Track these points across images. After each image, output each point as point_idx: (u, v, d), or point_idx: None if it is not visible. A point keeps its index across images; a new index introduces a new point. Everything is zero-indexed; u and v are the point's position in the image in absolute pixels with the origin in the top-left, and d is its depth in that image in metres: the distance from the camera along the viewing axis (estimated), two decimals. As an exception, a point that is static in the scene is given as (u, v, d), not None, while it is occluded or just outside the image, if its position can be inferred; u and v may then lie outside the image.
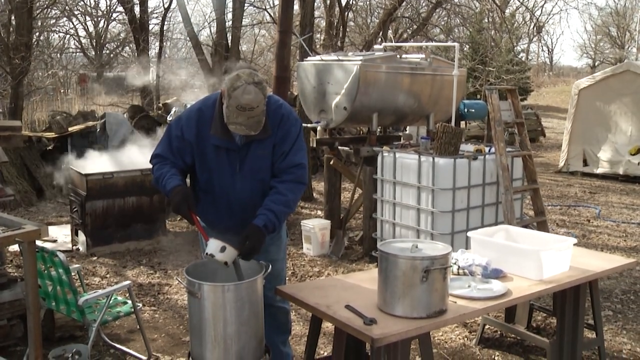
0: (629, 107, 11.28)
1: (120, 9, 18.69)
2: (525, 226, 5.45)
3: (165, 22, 16.86)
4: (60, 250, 3.71)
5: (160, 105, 12.70)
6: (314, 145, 10.13)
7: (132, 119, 10.78)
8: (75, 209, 6.72)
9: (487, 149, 5.85)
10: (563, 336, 3.73)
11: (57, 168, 8.27)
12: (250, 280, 2.84)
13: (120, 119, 10.37)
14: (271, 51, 15.13)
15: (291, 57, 8.83)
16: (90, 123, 10.39)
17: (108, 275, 5.89)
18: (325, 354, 4.01)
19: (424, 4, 15.52)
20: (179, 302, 5.19)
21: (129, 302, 4.03)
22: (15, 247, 5.71)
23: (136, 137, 8.96)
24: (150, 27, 16.20)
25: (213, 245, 2.87)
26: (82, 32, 24.00)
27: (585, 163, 11.91)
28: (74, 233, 6.84)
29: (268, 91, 3.05)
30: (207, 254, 2.87)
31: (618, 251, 6.80)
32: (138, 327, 4.13)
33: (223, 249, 2.84)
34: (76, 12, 19.20)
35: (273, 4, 14.72)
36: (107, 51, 24.64)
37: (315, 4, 10.96)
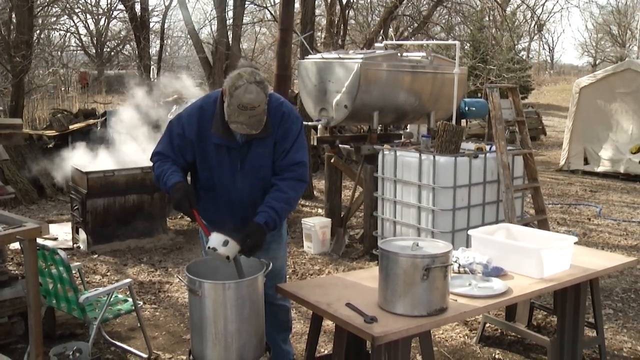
0: (630, 105, 11.27)
1: (120, 6, 18.69)
2: (526, 224, 5.45)
3: (166, 20, 16.87)
4: (61, 248, 3.71)
5: (161, 103, 12.68)
6: (315, 144, 10.13)
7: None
8: (76, 207, 6.73)
9: (487, 147, 5.85)
10: (563, 334, 3.73)
11: (58, 166, 8.28)
12: (251, 278, 2.84)
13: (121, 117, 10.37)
14: (272, 49, 15.13)
15: (292, 55, 8.82)
16: (91, 121, 10.39)
17: (109, 273, 5.90)
18: (326, 352, 4.01)
19: (425, 2, 15.50)
20: (180, 300, 5.19)
21: (130, 300, 4.04)
22: (16, 245, 5.71)
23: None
24: (151, 25, 16.19)
25: (216, 239, 2.87)
26: (82, 30, 24.03)
27: (586, 161, 11.91)
28: (75, 231, 6.84)
29: (269, 89, 3.06)
30: (209, 247, 2.87)
31: (619, 250, 6.80)
32: (139, 325, 4.14)
33: (226, 243, 2.85)
34: (77, 10, 19.18)
35: (274, 2, 14.71)
36: (108, 49, 24.64)
37: (316, 2, 10.95)
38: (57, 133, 9.96)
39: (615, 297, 5.30)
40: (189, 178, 3.30)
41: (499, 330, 4.50)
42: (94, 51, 24.41)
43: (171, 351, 4.23)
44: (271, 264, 2.96)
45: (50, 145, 9.75)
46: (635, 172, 11.06)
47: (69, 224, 7.10)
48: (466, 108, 7.43)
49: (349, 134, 9.45)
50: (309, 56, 7.15)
